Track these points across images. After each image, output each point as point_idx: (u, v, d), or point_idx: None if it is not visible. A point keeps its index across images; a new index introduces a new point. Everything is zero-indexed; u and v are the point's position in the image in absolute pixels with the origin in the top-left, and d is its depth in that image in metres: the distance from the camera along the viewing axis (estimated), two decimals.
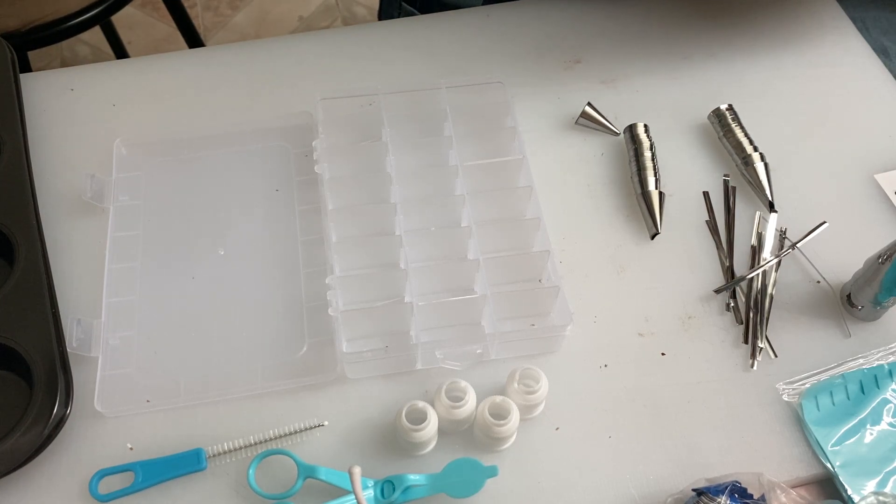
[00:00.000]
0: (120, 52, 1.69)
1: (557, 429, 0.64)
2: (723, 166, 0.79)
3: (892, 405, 0.64)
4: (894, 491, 0.60)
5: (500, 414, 0.61)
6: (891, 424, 0.63)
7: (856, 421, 0.63)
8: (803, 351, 0.68)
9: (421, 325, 0.65)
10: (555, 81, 0.85)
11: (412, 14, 1.00)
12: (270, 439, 0.62)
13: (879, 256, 0.64)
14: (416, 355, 0.65)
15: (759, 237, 0.74)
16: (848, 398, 0.64)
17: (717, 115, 0.80)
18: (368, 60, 0.86)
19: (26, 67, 1.28)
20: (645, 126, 0.79)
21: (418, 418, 0.60)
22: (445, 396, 0.61)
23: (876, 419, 0.63)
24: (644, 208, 0.75)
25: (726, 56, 0.87)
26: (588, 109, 0.80)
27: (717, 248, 0.74)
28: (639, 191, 0.75)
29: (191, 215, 0.74)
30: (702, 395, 0.66)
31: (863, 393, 0.65)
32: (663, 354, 0.68)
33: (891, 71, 0.87)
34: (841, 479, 0.61)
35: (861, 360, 0.67)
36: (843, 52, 0.88)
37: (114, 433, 0.63)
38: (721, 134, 0.80)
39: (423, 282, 0.68)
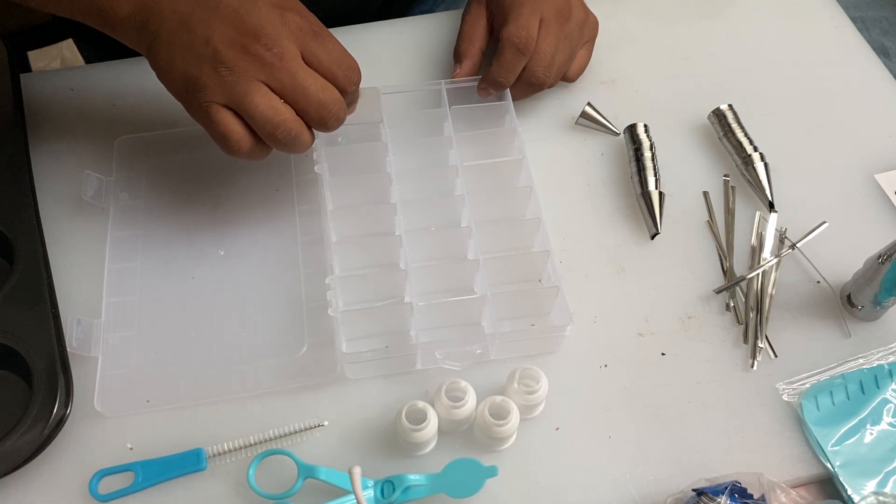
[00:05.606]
0: None
1: (557, 429, 0.64)
2: (723, 166, 0.79)
3: (892, 405, 0.64)
4: (894, 491, 0.60)
5: (500, 414, 0.61)
6: (891, 424, 0.63)
7: (856, 421, 0.63)
8: (803, 351, 0.68)
9: (421, 326, 0.65)
10: None
11: None
12: (270, 439, 0.62)
13: (879, 256, 0.64)
14: (415, 355, 0.65)
15: (759, 237, 0.74)
16: (848, 398, 0.64)
17: (717, 115, 0.80)
18: (368, 60, 0.86)
19: (26, 67, 1.28)
20: (645, 126, 0.79)
21: (418, 418, 0.60)
22: (445, 396, 0.61)
23: (876, 419, 0.63)
24: (644, 208, 0.75)
25: (726, 56, 0.87)
26: (588, 109, 0.80)
27: (717, 248, 0.74)
28: (639, 191, 0.75)
29: (191, 215, 0.74)
30: (702, 395, 0.66)
31: (863, 393, 0.65)
32: (663, 354, 0.68)
33: (891, 71, 0.87)
34: (841, 479, 0.61)
35: (861, 360, 0.67)
36: (843, 52, 0.88)
37: (114, 433, 0.63)
38: (721, 134, 0.80)
39: (423, 282, 0.68)
